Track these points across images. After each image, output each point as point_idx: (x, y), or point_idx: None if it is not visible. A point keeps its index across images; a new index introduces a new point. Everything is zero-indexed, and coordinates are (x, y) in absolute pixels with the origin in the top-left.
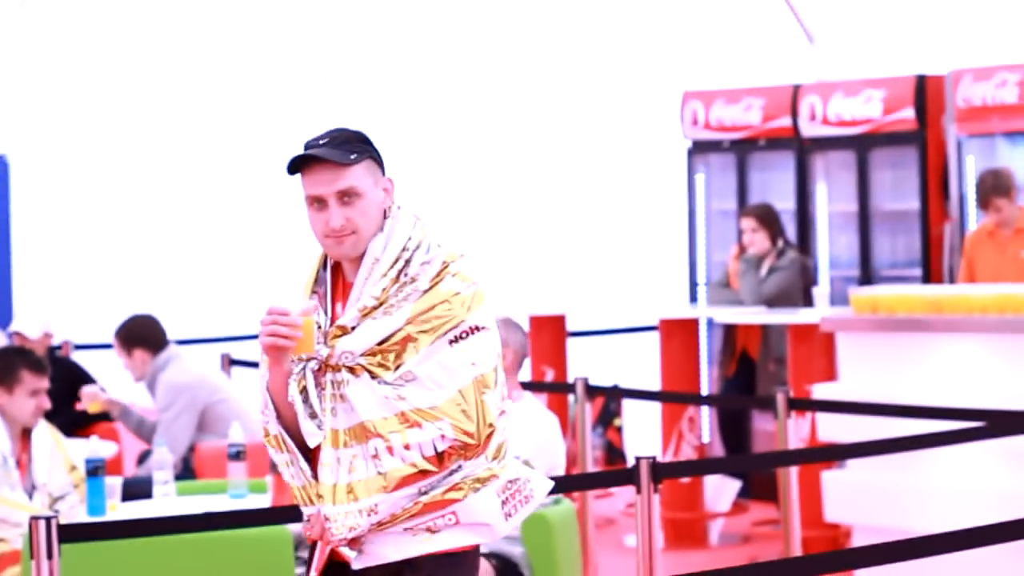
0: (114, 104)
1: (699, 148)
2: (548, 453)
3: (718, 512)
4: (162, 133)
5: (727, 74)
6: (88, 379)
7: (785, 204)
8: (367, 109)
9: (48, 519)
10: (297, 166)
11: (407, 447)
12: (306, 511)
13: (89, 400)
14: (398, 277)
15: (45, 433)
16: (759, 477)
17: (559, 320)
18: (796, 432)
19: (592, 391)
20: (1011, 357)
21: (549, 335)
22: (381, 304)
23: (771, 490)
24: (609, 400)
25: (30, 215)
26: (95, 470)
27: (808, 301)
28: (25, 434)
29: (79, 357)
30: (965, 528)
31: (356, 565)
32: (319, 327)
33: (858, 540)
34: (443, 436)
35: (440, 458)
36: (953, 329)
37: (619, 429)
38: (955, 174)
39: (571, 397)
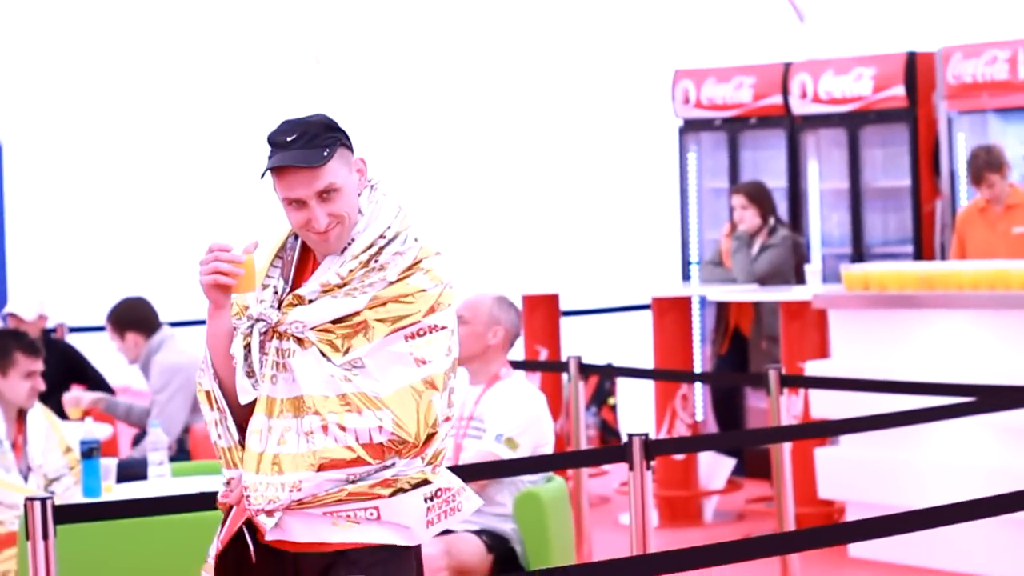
0: (107, 88)
1: (690, 126)
2: (535, 430)
3: (712, 490)
4: (155, 117)
5: (718, 53)
6: (83, 362)
7: (776, 182)
8: (359, 91)
9: (44, 500)
10: (271, 169)
11: (342, 428)
12: (227, 474)
13: (72, 406)
14: (368, 262)
15: (40, 415)
16: (753, 455)
17: (552, 299)
18: (789, 409)
19: (586, 370)
20: (1002, 332)
21: (542, 314)
22: (344, 284)
23: (765, 468)
24: (603, 379)
25: (24, 198)
26: (90, 451)
27: (800, 279)
28: (20, 416)
29: (73, 340)
30: (957, 502)
31: (270, 536)
32: (275, 292)
33: (851, 516)
34: (381, 428)
35: (376, 450)
36: (944, 305)
37: (613, 408)
38: (946, 151)
39: (564, 376)
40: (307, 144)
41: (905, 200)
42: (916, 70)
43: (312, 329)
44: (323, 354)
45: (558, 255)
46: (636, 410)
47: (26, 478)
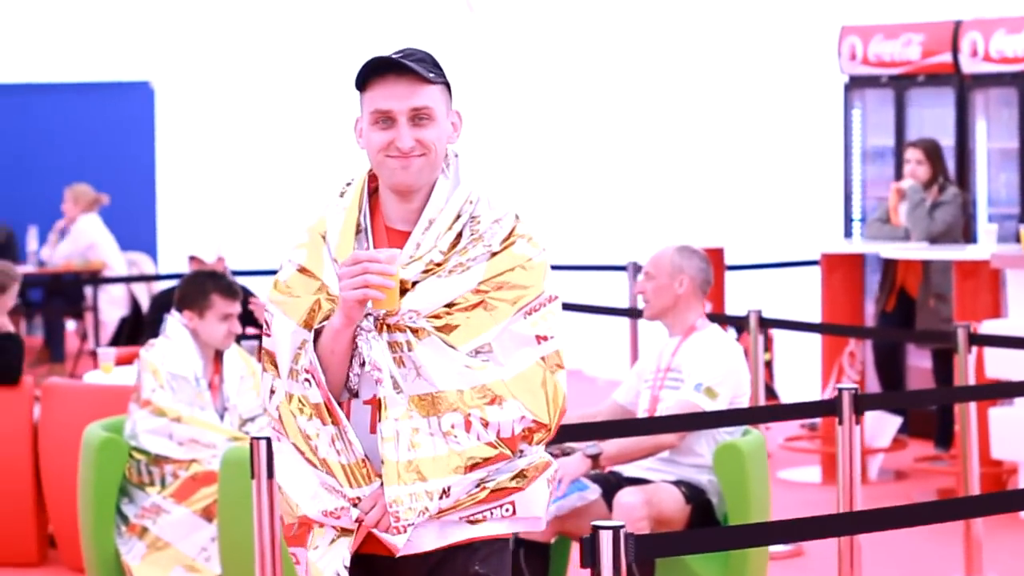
0: (256, 29)
1: (856, 83)
2: (733, 380)
3: (878, 448)
4: (303, 59)
5: (886, 9)
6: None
7: (944, 141)
8: (515, 41)
9: (268, 440)
10: (369, 75)
11: (485, 424)
12: (353, 492)
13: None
14: (461, 233)
15: (236, 356)
16: (917, 414)
17: (718, 253)
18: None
19: (764, 324)
20: None
21: None
22: (446, 261)
23: (928, 427)
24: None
25: (174, 141)
26: None
27: (967, 238)
28: (217, 356)
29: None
30: None
31: (402, 552)
32: None
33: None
34: (523, 417)
35: (513, 442)
36: None
37: (768, 364)
38: None
39: (730, 329)
40: (415, 62)
41: None
42: None
43: (425, 317)
44: (445, 342)
45: (724, 209)
46: (789, 367)
47: (221, 417)
